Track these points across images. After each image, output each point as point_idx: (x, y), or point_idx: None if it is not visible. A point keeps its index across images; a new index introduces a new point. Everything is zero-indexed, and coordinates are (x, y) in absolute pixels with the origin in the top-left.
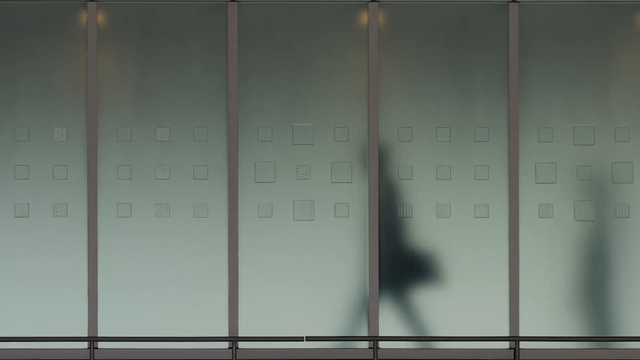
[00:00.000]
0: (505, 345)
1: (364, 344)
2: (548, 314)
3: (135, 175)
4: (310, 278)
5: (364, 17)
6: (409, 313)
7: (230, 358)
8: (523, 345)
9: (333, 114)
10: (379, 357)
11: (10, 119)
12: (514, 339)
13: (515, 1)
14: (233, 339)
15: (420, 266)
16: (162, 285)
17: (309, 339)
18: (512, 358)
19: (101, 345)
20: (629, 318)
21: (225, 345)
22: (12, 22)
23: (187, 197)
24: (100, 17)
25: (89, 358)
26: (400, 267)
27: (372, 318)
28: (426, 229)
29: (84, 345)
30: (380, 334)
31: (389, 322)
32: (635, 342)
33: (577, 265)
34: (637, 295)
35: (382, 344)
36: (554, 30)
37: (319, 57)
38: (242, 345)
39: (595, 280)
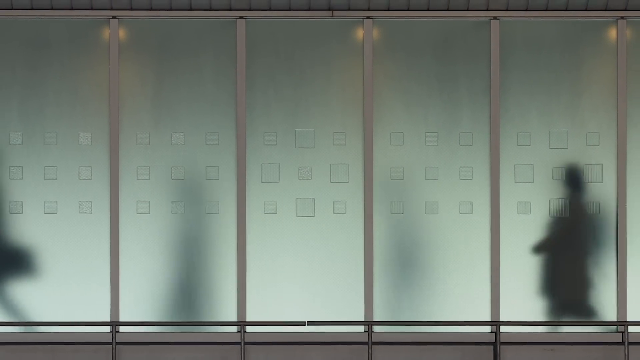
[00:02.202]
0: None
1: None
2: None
3: (153, 176)
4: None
5: (359, 33)
6: (8, 302)
7: (239, 340)
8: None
9: (332, 120)
10: (373, 340)
11: (41, 124)
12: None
13: (496, 18)
14: (241, 323)
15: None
16: (178, 274)
17: (310, 323)
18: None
19: (122, 329)
20: None
21: (234, 329)
22: (42, 36)
23: (200, 195)
24: (122, 33)
25: (111, 341)
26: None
27: None
28: (416, 225)
29: (107, 329)
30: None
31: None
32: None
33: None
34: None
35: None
36: (531, 44)
37: (319, 68)
38: (249, 329)
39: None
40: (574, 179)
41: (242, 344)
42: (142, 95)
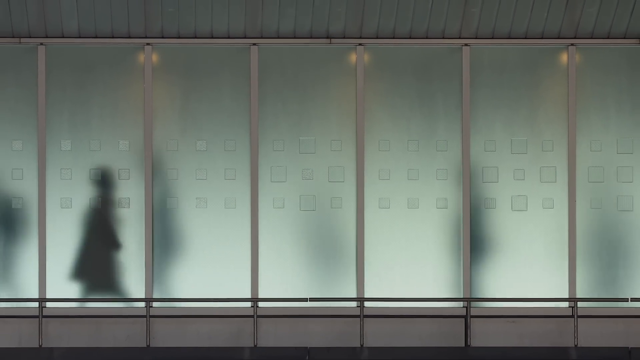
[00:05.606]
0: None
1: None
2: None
3: (181, 177)
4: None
5: (353, 57)
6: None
7: (252, 314)
8: None
9: (330, 130)
10: (364, 314)
11: (86, 133)
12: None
13: (467, 45)
14: (254, 299)
15: None
16: (203, 257)
17: (311, 299)
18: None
19: (155, 304)
20: None
21: (248, 304)
22: (88, 60)
23: (220, 192)
24: (154, 57)
25: (145, 314)
26: None
27: None
28: (400, 218)
29: (142, 304)
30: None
31: None
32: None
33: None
34: None
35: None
36: (497, 66)
37: (319, 86)
38: (261, 304)
39: None
40: None
41: (255, 317)
42: (171, 109)
